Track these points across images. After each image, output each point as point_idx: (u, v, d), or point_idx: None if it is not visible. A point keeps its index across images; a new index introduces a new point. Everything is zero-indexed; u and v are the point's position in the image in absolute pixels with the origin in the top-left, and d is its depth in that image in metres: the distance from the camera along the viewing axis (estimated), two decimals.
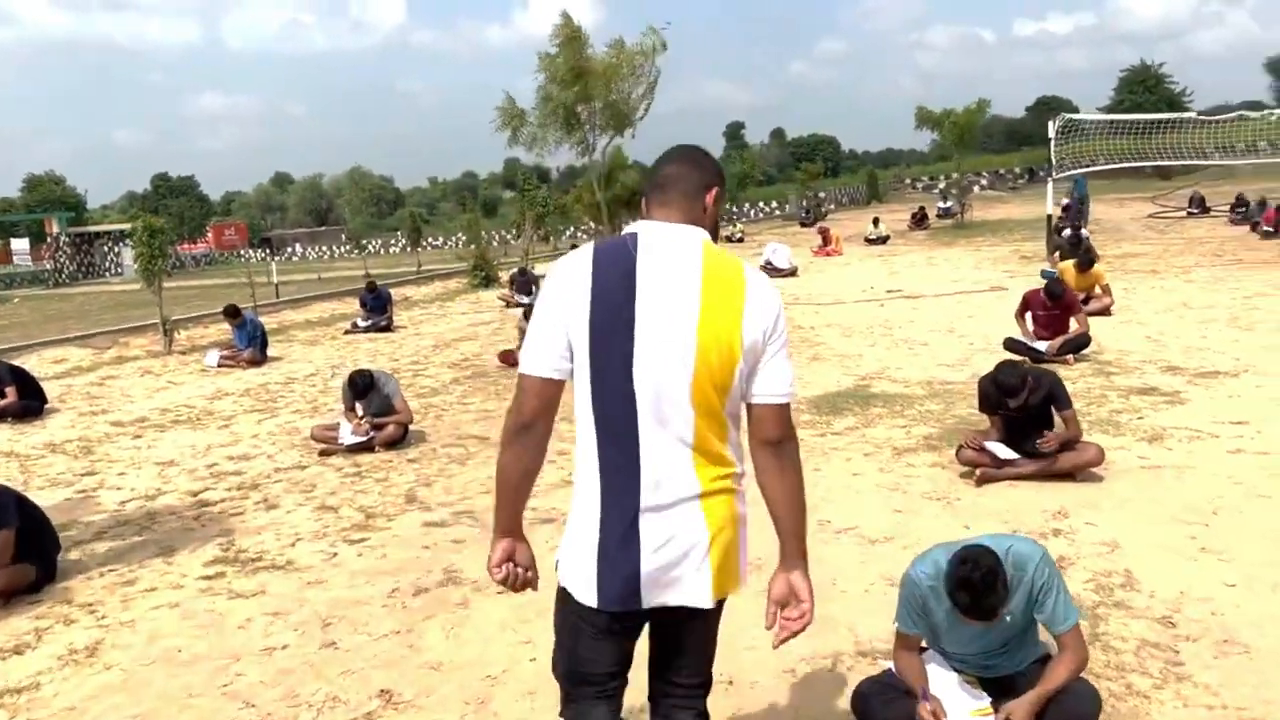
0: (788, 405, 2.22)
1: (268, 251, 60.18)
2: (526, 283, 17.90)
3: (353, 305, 18.56)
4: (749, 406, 2.22)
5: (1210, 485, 5.47)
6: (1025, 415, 5.86)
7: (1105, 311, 11.78)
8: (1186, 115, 21.51)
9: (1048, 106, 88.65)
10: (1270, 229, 19.55)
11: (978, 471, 5.82)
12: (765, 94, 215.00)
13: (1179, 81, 64.83)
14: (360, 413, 7.82)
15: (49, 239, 45.91)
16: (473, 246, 22.03)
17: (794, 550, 2.26)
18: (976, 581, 2.96)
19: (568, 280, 2.18)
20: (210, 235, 65.05)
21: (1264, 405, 7.08)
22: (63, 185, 71.75)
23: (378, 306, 16.10)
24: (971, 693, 3.28)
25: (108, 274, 45.40)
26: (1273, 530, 4.77)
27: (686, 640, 2.35)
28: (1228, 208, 25.28)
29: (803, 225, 37.84)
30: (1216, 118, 21.47)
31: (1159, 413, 7.08)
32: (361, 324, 15.84)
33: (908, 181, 61.08)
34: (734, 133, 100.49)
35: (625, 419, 2.14)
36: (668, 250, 2.19)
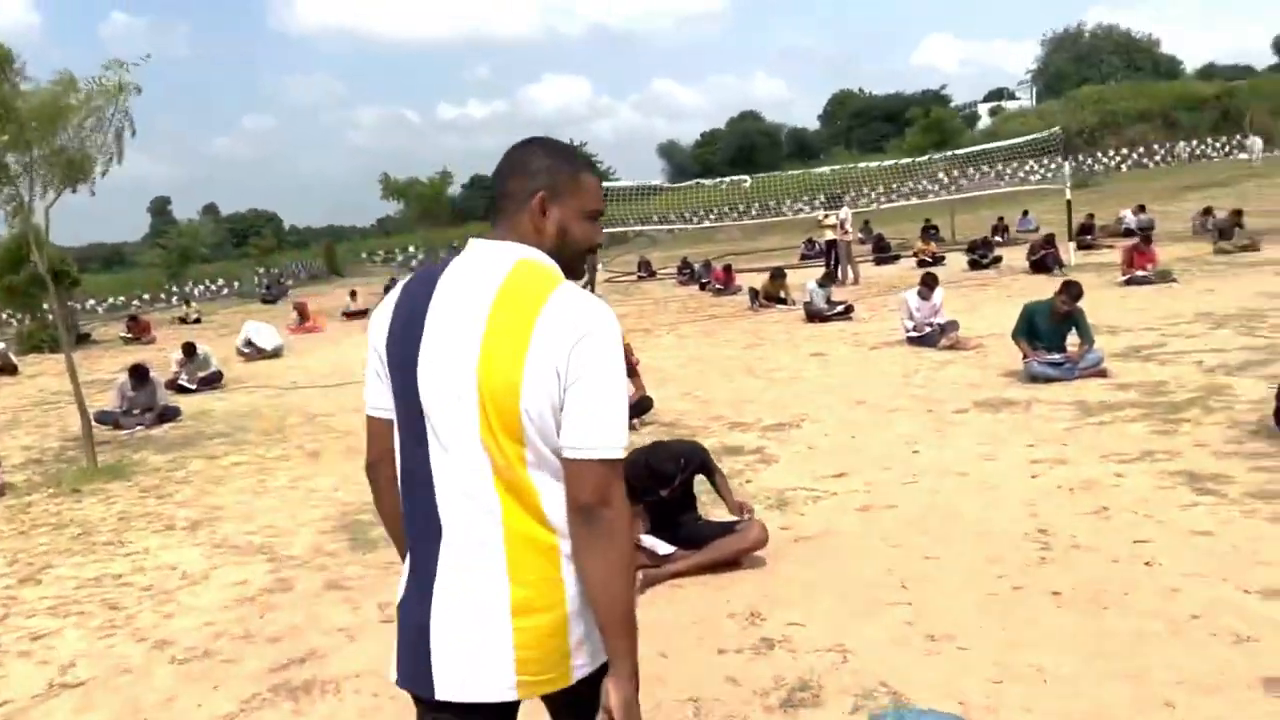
0: (602, 464, 1.75)
1: None
2: None
3: None
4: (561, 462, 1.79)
5: (875, 553, 5.01)
6: (673, 498, 5.01)
7: (633, 372, 11.66)
8: (655, 184, 23.24)
9: (482, 185, 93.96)
10: (720, 286, 21.59)
11: (640, 574, 4.80)
12: (191, 169, 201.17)
13: (603, 161, 72.11)
14: None
15: None
16: None
17: (609, 649, 1.79)
18: None
19: (379, 310, 1.95)
20: None
21: (847, 455, 7.01)
22: None
23: None
24: None
25: None
26: (971, 598, 4.34)
27: None
28: (675, 270, 27.78)
29: (264, 302, 35.06)
30: (678, 185, 23.46)
31: (761, 473, 6.69)
32: None
33: (364, 255, 59.98)
34: (160, 208, 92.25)
35: (423, 472, 1.84)
36: (470, 273, 1.86)
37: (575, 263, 1.94)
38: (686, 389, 10.34)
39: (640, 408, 8.75)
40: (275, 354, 17.35)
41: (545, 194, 1.88)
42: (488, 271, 1.83)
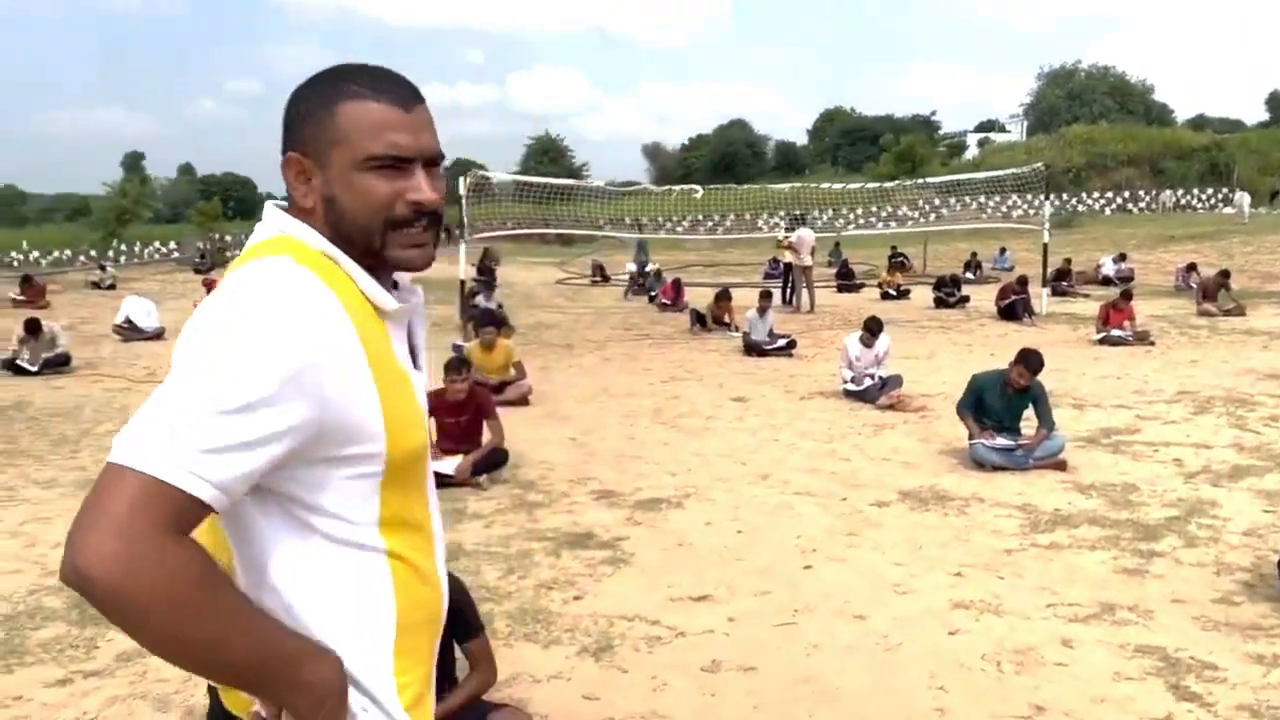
0: (118, 475, 1.12)
1: None
2: None
3: None
4: None
5: None
6: None
7: (524, 400, 10.02)
8: (592, 184, 21.64)
9: (464, 169, 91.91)
10: (667, 302, 19.96)
11: None
12: (171, 126, 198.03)
13: (578, 156, 70.36)
14: None
15: None
16: None
17: None
18: None
19: None
20: None
21: (723, 562, 5.37)
22: None
23: None
24: None
25: None
26: None
27: None
28: (626, 278, 26.14)
29: (196, 272, 33.05)
30: (621, 189, 21.89)
31: (598, 585, 5.03)
32: None
33: None
34: (133, 163, 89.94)
35: None
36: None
37: (376, 242, 1.33)
38: (575, 433, 8.69)
39: (492, 460, 7.07)
40: (156, 336, 15.51)
41: (296, 155, 1.33)
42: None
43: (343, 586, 1.31)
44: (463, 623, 3.36)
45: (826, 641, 4.35)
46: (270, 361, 1.17)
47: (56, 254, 40.38)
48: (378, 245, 1.33)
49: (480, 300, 16.47)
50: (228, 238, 43.80)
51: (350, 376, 1.24)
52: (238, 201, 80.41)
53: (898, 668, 4.09)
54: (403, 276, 1.48)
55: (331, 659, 1.26)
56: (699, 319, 16.44)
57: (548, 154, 65.91)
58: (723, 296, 16.40)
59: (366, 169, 1.31)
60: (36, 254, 40.50)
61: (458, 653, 3.47)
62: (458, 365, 7.10)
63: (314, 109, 1.33)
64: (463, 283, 16.71)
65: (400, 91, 1.34)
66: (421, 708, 1.40)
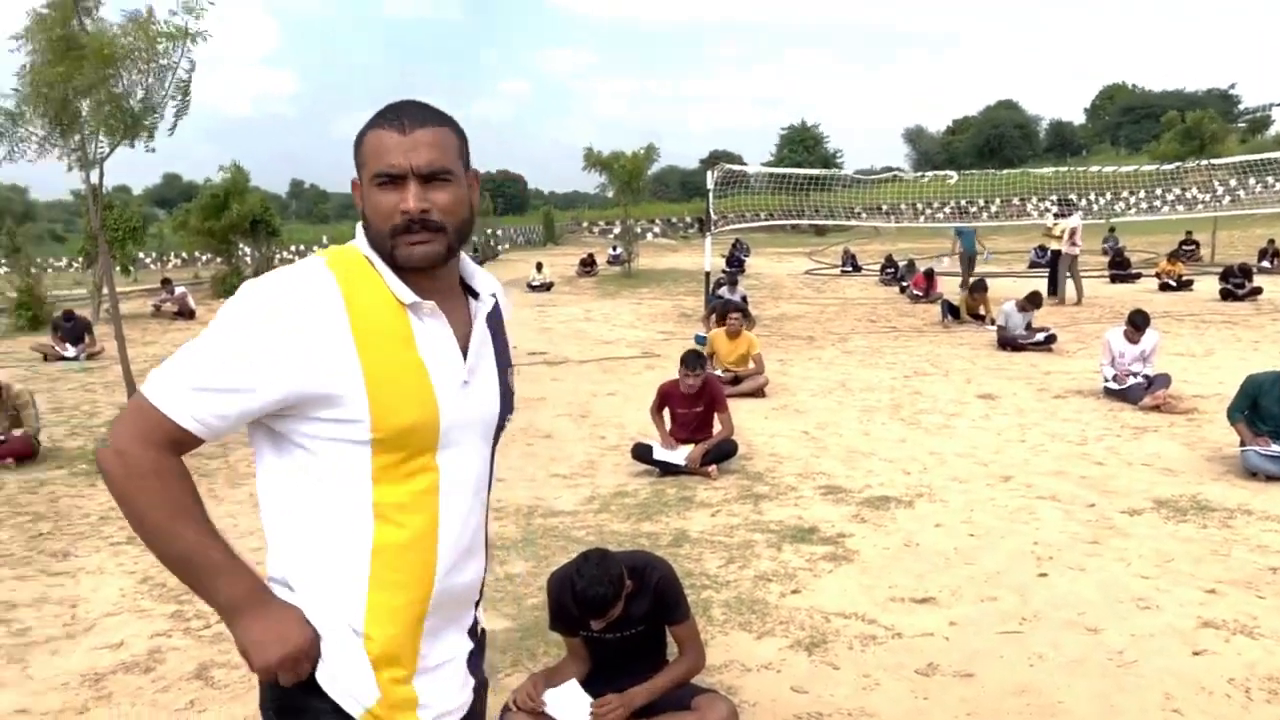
0: (135, 399, 1.56)
1: None
2: (75, 330, 13.93)
3: None
4: None
5: None
6: (625, 638, 3.54)
7: (759, 392, 10.10)
8: (841, 173, 21.30)
9: (726, 159, 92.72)
10: (919, 293, 19.39)
11: None
12: None
13: (837, 142, 69.21)
14: None
15: None
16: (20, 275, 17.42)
17: None
18: None
19: None
20: None
21: (951, 566, 5.24)
22: None
23: None
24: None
25: None
26: None
27: None
28: (878, 268, 25.59)
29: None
30: (871, 177, 21.46)
31: (817, 581, 5.05)
32: None
33: (585, 224, 60.31)
34: None
35: None
36: None
37: (388, 244, 1.58)
38: (808, 426, 8.68)
39: (723, 451, 7.21)
40: None
41: (355, 179, 1.65)
42: None
43: (324, 532, 1.57)
44: (669, 607, 3.52)
45: (1052, 653, 4.17)
46: (256, 331, 1.49)
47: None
48: (389, 248, 1.58)
49: (724, 292, 16.67)
50: (499, 232, 46.52)
51: (331, 355, 1.50)
52: (509, 198, 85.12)
53: (1129, 686, 3.86)
54: (483, 286, 1.73)
55: (243, 581, 1.57)
56: (951, 311, 15.88)
57: (802, 142, 65.24)
58: (978, 288, 15.74)
59: (375, 185, 1.58)
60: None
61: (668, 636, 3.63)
62: (693, 361, 7.26)
63: (357, 142, 1.62)
64: (708, 274, 16.97)
65: (405, 119, 1.57)
66: (396, 665, 1.60)
